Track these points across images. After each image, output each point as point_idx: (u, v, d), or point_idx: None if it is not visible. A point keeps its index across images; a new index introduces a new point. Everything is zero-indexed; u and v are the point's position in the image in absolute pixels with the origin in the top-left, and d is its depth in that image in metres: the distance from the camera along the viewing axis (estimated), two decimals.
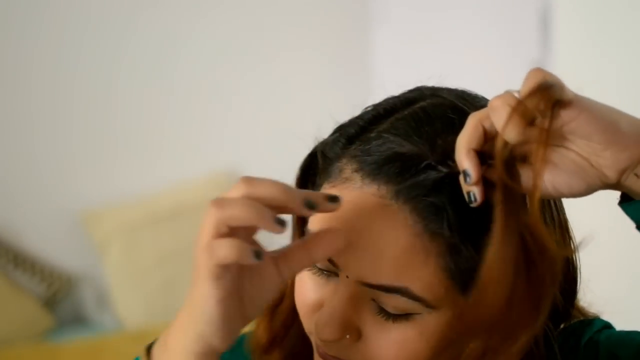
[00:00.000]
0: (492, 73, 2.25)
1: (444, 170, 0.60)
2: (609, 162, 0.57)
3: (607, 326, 0.72)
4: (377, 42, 2.81)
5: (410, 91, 0.69)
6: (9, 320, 2.38)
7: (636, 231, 0.61)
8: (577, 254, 0.68)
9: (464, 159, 0.58)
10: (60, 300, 2.52)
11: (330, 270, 0.64)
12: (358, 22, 2.84)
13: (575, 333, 0.70)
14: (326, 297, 0.64)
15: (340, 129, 0.68)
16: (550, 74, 0.56)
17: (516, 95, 0.56)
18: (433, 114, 0.64)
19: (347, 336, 0.62)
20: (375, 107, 0.68)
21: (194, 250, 0.59)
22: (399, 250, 0.60)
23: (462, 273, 0.61)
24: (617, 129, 0.56)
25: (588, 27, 1.86)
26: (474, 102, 0.66)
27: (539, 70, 0.56)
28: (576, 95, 0.56)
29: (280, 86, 2.77)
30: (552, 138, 0.56)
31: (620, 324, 0.73)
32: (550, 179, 0.58)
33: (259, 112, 2.75)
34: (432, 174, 0.61)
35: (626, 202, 0.60)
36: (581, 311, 0.73)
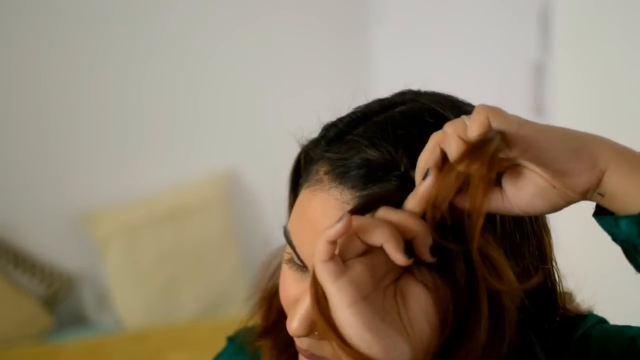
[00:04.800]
0: (492, 73, 2.26)
1: (407, 182, 0.61)
2: (568, 186, 0.57)
3: (601, 321, 0.72)
4: (376, 42, 2.81)
5: (394, 95, 0.70)
6: (9, 320, 2.38)
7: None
8: (555, 269, 0.69)
9: (419, 179, 0.59)
10: (60, 300, 2.52)
11: (303, 264, 0.66)
12: (357, 22, 2.84)
13: (569, 329, 0.70)
14: (301, 293, 0.65)
15: (323, 130, 0.70)
16: (496, 112, 0.55)
17: (466, 120, 0.57)
18: (407, 120, 0.65)
19: (316, 332, 0.63)
20: (357, 110, 0.69)
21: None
22: None
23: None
24: (569, 158, 0.56)
25: (588, 28, 1.86)
26: (455, 108, 0.66)
27: (482, 111, 0.56)
28: (522, 131, 0.55)
29: (279, 86, 2.77)
30: (508, 166, 0.57)
31: (616, 319, 0.73)
32: (515, 201, 0.58)
33: (258, 112, 2.75)
34: (395, 184, 0.61)
35: (600, 214, 0.60)
36: (575, 307, 0.73)
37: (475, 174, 0.55)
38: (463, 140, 0.56)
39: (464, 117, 0.58)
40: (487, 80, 2.24)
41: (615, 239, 0.59)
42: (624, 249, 0.59)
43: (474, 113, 0.56)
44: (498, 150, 0.55)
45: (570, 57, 1.91)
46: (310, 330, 0.63)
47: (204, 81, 2.69)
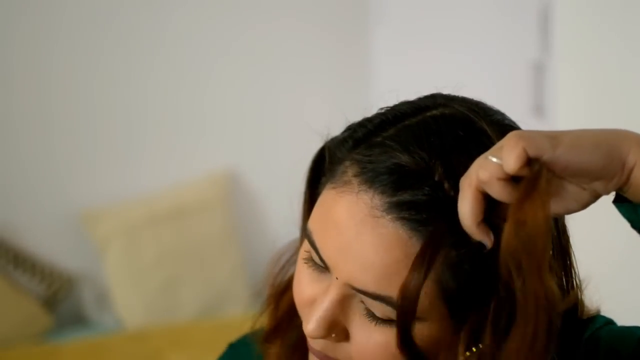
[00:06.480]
0: (492, 73, 2.26)
1: (439, 192, 0.60)
2: (599, 188, 0.58)
3: (610, 322, 0.72)
4: (377, 42, 2.81)
5: (424, 98, 0.69)
6: (9, 320, 2.38)
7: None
8: (579, 284, 0.69)
9: (476, 233, 0.58)
10: (60, 300, 2.52)
11: (325, 265, 0.65)
12: (358, 22, 2.84)
13: (577, 329, 0.70)
14: (318, 294, 0.65)
15: (350, 130, 0.68)
16: (529, 140, 0.55)
17: (494, 160, 0.56)
18: (441, 127, 0.64)
19: (333, 335, 0.64)
20: (386, 111, 0.67)
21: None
22: (386, 261, 0.60)
23: (450, 297, 0.61)
24: (602, 165, 0.57)
25: (588, 27, 1.86)
26: (487, 116, 0.66)
27: (516, 142, 0.56)
28: (557, 152, 0.56)
29: (280, 86, 2.77)
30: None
31: (623, 321, 0.73)
32: (552, 208, 0.58)
33: (258, 112, 2.75)
34: (427, 193, 0.60)
35: (620, 202, 0.61)
36: (586, 311, 0.73)
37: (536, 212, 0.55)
38: (506, 181, 0.56)
39: (488, 155, 0.57)
40: (487, 80, 2.24)
41: (633, 225, 0.60)
42: None
43: (507, 145, 0.56)
44: (548, 180, 0.55)
45: (570, 57, 1.91)
46: (327, 331, 0.63)
47: (204, 82, 2.69)
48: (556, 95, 1.96)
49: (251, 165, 2.76)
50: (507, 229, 0.56)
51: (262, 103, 2.75)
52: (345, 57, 2.84)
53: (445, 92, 0.70)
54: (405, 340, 0.60)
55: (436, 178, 0.61)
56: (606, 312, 0.74)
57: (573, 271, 0.68)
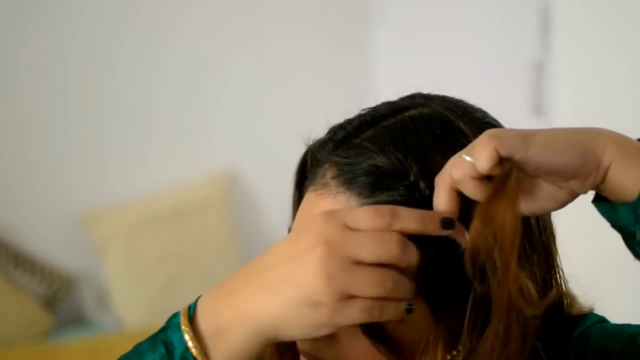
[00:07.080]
0: (492, 73, 2.26)
1: (415, 192, 0.61)
2: (575, 187, 0.58)
3: (601, 320, 0.72)
4: (376, 41, 2.81)
5: (404, 98, 0.69)
6: (9, 320, 2.38)
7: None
8: (563, 279, 0.69)
9: (451, 231, 0.58)
10: (60, 300, 2.52)
11: None
12: (358, 22, 2.84)
13: (568, 327, 0.70)
14: None
15: (331, 132, 0.69)
16: (501, 139, 0.55)
17: (467, 158, 0.56)
18: (418, 127, 0.64)
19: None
20: (366, 112, 0.68)
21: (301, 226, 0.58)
22: None
23: (431, 296, 0.61)
24: (577, 164, 0.57)
25: (588, 27, 1.87)
26: (466, 114, 0.66)
27: (488, 141, 0.55)
28: (530, 151, 0.56)
29: (279, 86, 2.77)
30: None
31: (620, 320, 0.73)
32: (525, 207, 0.58)
33: (258, 112, 2.75)
34: (403, 193, 0.61)
35: (598, 201, 0.61)
36: (578, 309, 0.73)
37: (505, 211, 0.55)
38: (479, 180, 0.56)
39: (462, 154, 0.57)
40: (487, 80, 2.24)
41: (613, 225, 0.60)
42: (623, 235, 0.60)
43: (479, 145, 0.56)
44: (518, 180, 0.55)
45: (570, 57, 1.92)
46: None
47: (204, 82, 2.69)
48: (556, 95, 1.96)
49: (251, 165, 2.76)
50: (473, 226, 0.56)
51: (262, 103, 2.75)
52: (345, 57, 2.84)
53: (425, 91, 0.70)
54: (372, 331, 0.60)
55: (412, 178, 0.61)
56: (603, 311, 0.74)
57: (556, 269, 0.68)
